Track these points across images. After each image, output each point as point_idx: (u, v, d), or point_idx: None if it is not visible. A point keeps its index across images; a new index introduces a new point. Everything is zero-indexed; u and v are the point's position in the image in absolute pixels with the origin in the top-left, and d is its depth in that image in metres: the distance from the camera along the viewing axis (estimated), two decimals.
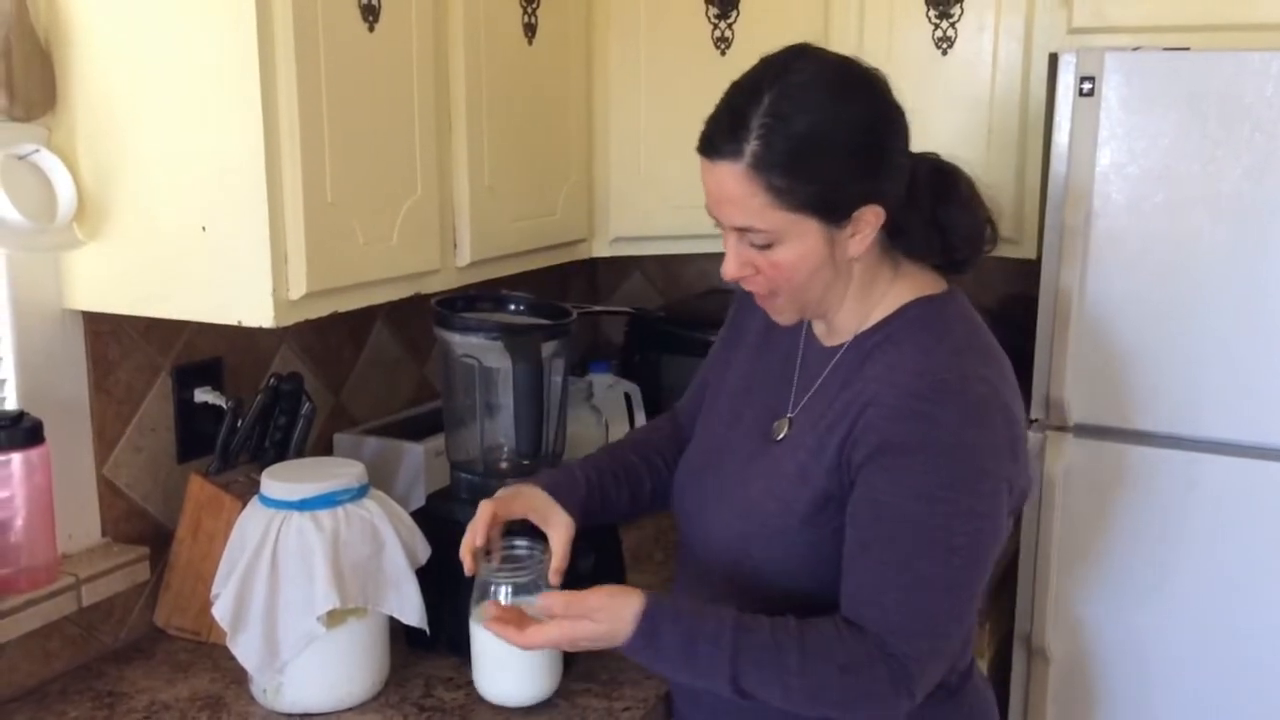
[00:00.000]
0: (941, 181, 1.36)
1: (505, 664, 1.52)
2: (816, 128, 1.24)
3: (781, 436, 1.39)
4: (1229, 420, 1.91)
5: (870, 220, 1.29)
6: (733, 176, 1.26)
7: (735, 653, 1.24)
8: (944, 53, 2.18)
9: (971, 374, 1.27)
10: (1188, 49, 1.92)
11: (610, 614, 1.26)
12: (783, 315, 1.38)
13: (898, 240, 1.36)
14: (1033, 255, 2.17)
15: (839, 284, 1.34)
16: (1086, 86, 1.92)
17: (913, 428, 1.24)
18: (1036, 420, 2.05)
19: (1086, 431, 2.01)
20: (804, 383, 1.41)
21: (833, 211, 1.27)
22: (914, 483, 1.24)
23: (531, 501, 1.47)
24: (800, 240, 1.28)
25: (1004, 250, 2.20)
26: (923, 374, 1.27)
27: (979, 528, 1.25)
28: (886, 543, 1.25)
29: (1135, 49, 1.94)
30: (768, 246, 1.29)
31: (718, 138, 1.27)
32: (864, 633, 1.25)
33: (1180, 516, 1.96)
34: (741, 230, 1.29)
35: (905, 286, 1.37)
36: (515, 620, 1.32)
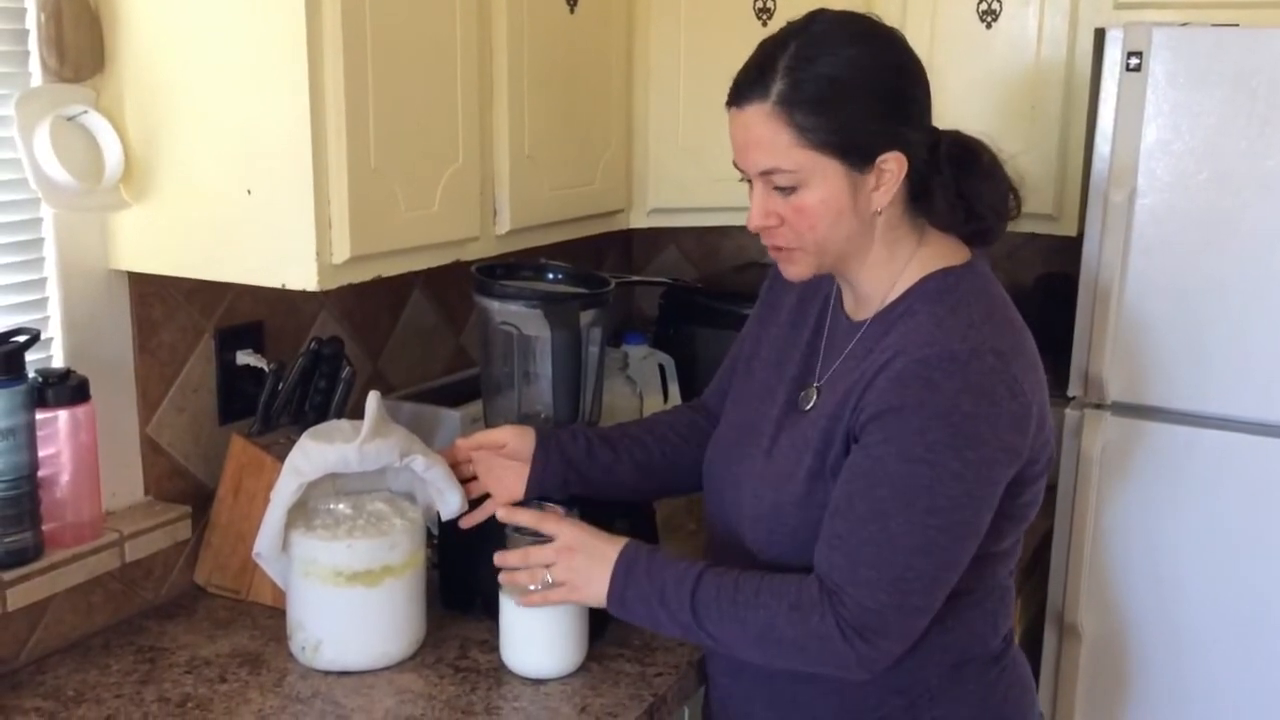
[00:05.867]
0: (963, 153, 1.37)
1: (533, 639, 1.53)
2: (841, 69, 1.28)
3: (809, 407, 1.41)
4: (1270, 400, 1.90)
5: (893, 170, 1.30)
6: (759, 117, 1.29)
7: (697, 586, 1.33)
8: (988, 26, 2.16)
9: (981, 347, 1.28)
10: (1237, 25, 1.89)
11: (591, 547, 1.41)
12: (799, 266, 1.37)
13: (922, 205, 1.36)
14: (1073, 232, 2.16)
15: (862, 239, 1.34)
16: (1133, 62, 1.89)
17: (912, 392, 1.26)
18: (1074, 398, 2.04)
19: (1124, 410, 2.00)
20: (830, 354, 1.43)
21: (856, 153, 1.29)
22: (903, 444, 1.26)
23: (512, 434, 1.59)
24: (823, 183, 1.29)
25: (1044, 227, 2.20)
26: (933, 343, 1.28)
27: (963, 494, 1.26)
28: (866, 497, 1.28)
29: (1183, 25, 1.92)
30: (792, 191, 1.30)
31: (745, 85, 1.31)
32: (821, 582, 1.29)
33: (1217, 496, 1.95)
34: (766, 174, 1.31)
35: (928, 256, 1.37)
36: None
